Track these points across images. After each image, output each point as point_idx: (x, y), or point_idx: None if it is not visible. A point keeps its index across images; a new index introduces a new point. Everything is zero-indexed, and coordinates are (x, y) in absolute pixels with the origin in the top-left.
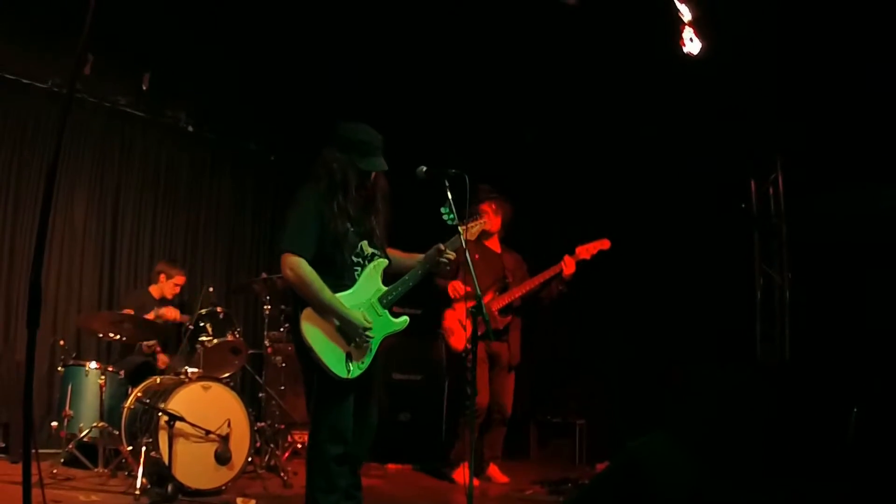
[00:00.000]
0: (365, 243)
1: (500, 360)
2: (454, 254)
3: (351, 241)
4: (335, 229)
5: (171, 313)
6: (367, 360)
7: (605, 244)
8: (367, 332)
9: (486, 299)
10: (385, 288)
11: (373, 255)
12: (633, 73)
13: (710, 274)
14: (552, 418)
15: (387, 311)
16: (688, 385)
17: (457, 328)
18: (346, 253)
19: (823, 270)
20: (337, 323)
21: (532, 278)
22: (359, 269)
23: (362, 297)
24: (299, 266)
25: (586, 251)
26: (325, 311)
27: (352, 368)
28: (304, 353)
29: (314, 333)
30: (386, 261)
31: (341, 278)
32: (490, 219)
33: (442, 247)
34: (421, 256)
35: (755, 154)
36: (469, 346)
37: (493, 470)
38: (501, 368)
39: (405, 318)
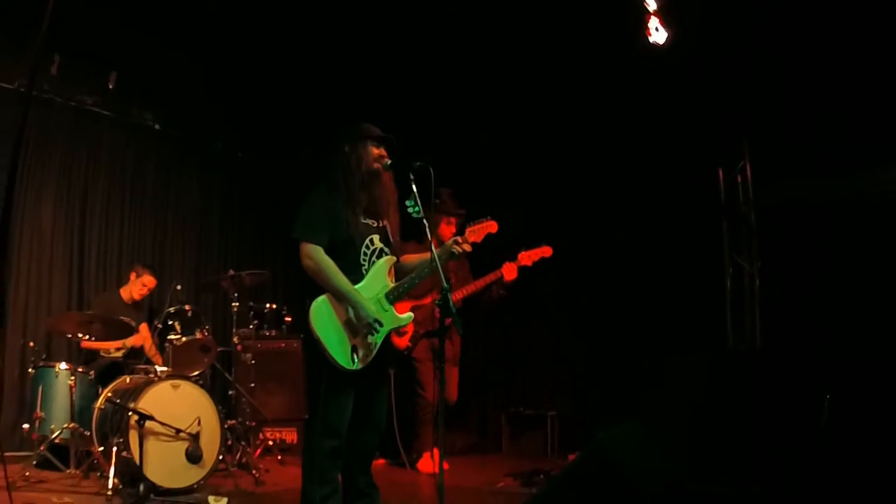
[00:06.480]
0: (376, 237)
1: (445, 356)
2: (469, 245)
3: (361, 234)
4: (345, 221)
5: (138, 340)
6: (373, 353)
7: (546, 251)
8: (377, 323)
9: (427, 300)
10: (392, 284)
11: (381, 250)
12: (599, 63)
13: (679, 263)
14: (524, 410)
15: (392, 307)
16: (659, 375)
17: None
18: (355, 247)
19: (793, 258)
20: (347, 314)
21: (475, 281)
22: (366, 264)
23: (370, 291)
24: (316, 254)
25: (528, 258)
26: (341, 299)
27: (356, 360)
28: (312, 344)
29: (321, 325)
30: (394, 257)
31: (350, 273)
32: (443, 231)
33: (459, 239)
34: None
35: (723, 142)
36: (410, 345)
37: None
38: (447, 363)
39: (410, 315)
